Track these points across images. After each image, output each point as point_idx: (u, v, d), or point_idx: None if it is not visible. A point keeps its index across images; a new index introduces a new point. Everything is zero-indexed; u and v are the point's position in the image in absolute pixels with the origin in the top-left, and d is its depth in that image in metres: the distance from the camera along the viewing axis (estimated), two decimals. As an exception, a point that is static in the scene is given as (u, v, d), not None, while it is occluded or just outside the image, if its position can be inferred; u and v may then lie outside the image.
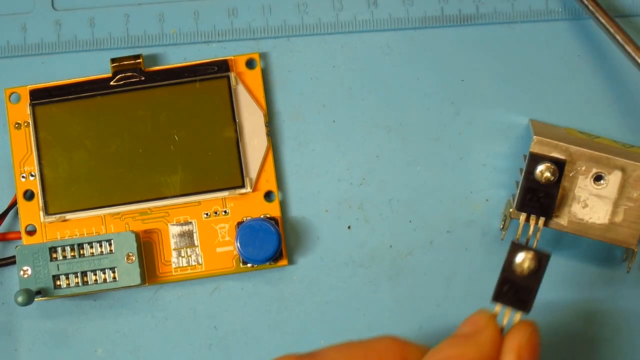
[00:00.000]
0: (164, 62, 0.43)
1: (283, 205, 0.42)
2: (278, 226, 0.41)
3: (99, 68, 0.42)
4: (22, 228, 0.41)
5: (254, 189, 0.41)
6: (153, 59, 0.43)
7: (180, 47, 0.43)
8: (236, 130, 0.41)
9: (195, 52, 0.43)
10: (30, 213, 0.41)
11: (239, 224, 0.41)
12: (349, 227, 0.42)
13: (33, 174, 0.41)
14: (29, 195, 0.41)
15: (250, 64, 0.42)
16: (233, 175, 0.41)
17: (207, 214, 0.41)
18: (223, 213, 0.41)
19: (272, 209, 0.42)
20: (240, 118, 0.41)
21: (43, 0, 0.43)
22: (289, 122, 0.43)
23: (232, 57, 0.42)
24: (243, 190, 0.41)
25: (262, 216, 0.41)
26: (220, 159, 0.41)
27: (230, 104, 0.41)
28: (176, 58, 0.43)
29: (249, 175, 0.41)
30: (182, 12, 0.43)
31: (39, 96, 0.41)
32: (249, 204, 0.42)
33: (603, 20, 0.41)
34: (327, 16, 0.43)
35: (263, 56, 0.43)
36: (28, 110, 0.41)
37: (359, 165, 0.43)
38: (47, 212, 0.41)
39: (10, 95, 0.42)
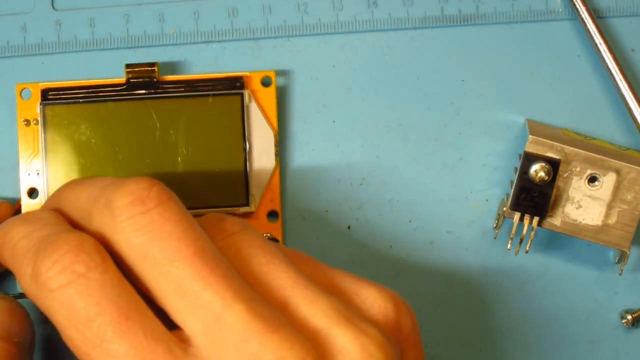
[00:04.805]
0: (164, 62, 0.43)
1: (283, 205, 0.42)
2: None
3: (99, 68, 0.42)
4: (24, 229, 0.41)
5: (258, 208, 0.41)
6: (153, 59, 0.43)
7: (180, 47, 0.43)
8: (245, 149, 0.41)
9: (195, 52, 0.43)
10: (34, 212, 0.41)
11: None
12: (349, 227, 0.42)
13: (38, 172, 0.41)
14: (33, 194, 0.41)
15: (265, 82, 0.42)
16: (238, 193, 0.41)
17: (209, 230, 0.41)
18: (225, 230, 0.41)
19: (274, 229, 0.41)
20: (251, 136, 0.41)
21: (43, 0, 0.43)
22: (289, 122, 0.43)
23: (248, 74, 0.41)
24: (246, 209, 0.41)
25: (263, 235, 0.41)
26: (227, 175, 0.40)
27: (241, 122, 0.41)
28: (176, 58, 0.43)
29: (253, 193, 0.41)
30: (182, 12, 0.43)
31: (50, 96, 0.41)
32: (251, 223, 0.41)
33: (589, 24, 0.42)
34: (327, 16, 0.43)
35: (263, 56, 0.43)
36: (38, 109, 0.41)
37: (359, 165, 0.43)
38: (49, 214, 0.41)
39: (21, 91, 0.41)
